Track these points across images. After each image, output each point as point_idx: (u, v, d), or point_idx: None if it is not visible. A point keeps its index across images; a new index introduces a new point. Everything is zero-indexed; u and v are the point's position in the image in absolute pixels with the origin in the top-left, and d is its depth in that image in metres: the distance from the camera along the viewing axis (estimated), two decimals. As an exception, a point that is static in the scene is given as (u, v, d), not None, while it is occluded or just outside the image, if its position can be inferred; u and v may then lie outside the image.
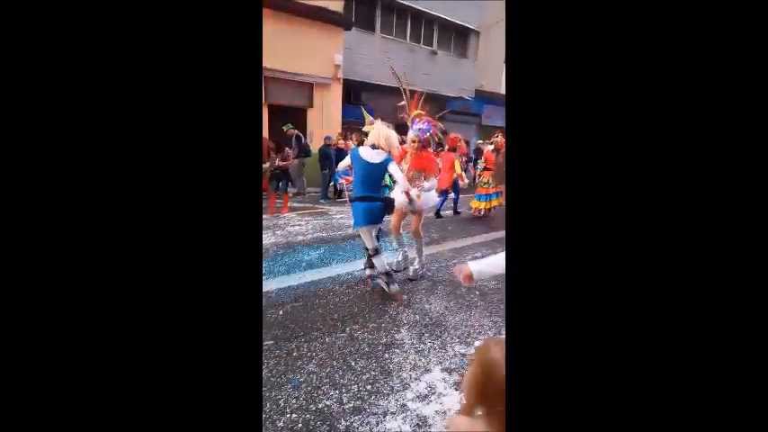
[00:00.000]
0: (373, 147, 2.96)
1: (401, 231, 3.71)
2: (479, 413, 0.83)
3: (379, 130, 2.99)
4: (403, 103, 3.56)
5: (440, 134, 3.52)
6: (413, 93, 3.53)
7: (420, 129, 3.36)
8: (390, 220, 3.54)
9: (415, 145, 3.34)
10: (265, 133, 7.27)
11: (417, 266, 3.62)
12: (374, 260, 3.10)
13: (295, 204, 6.90)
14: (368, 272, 3.35)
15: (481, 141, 11.80)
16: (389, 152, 2.99)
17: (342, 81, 9.75)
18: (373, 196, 2.93)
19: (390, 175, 2.99)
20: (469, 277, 1.41)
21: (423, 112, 3.45)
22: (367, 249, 3.13)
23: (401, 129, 3.70)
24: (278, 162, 5.96)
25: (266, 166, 6.08)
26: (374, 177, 2.95)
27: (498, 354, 0.79)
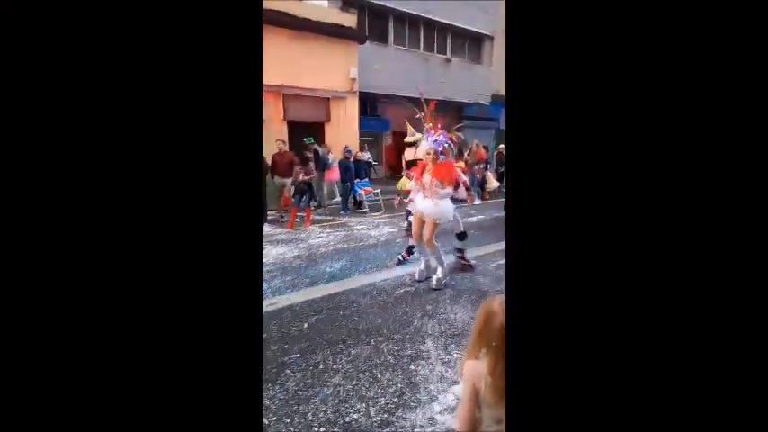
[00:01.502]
0: None
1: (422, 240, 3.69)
2: (482, 354, 1.04)
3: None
4: (420, 115, 3.60)
5: (458, 144, 3.54)
6: (427, 102, 3.57)
7: (435, 141, 3.39)
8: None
9: (430, 156, 3.38)
10: (286, 148, 7.41)
11: (441, 275, 3.58)
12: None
13: (316, 217, 6.99)
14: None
15: (503, 146, 11.70)
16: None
17: (357, 94, 9.90)
18: None
19: None
20: None
21: (432, 125, 3.49)
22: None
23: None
24: (302, 176, 6.09)
25: (288, 181, 6.22)
26: None
27: (497, 307, 1.01)
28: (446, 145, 3.44)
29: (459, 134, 3.66)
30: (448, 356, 2.41)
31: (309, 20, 8.52)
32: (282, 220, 6.54)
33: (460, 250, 4.18)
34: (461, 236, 4.08)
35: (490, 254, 4.70)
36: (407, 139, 4.48)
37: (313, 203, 7.11)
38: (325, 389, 2.08)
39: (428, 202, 3.44)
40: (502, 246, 5.06)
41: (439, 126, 3.52)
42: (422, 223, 3.58)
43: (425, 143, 3.45)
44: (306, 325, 2.82)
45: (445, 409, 1.92)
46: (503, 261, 4.40)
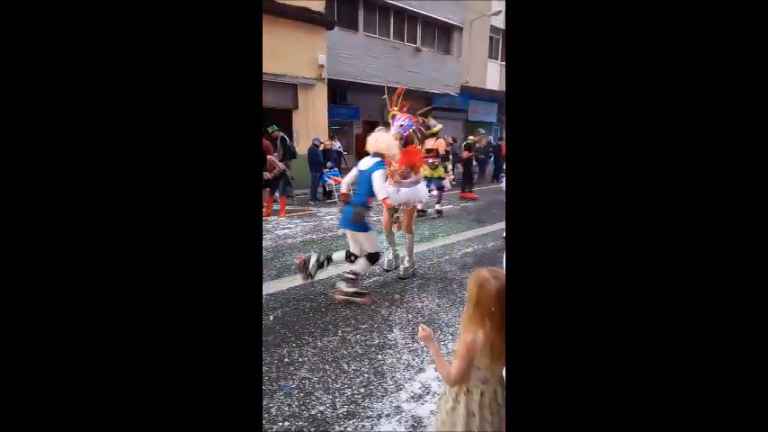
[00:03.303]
0: (375, 155, 2.96)
1: (393, 230, 3.68)
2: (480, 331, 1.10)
3: (376, 137, 3.01)
4: (385, 96, 3.55)
5: (422, 129, 3.50)
6: (394, 90, 3.52)
7: (401, 126, 3.35)
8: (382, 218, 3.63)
9: (397, 143, 3.35)
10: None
11: (407, 264, 3.60)
12: (336, 257, 3.08)
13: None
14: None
15: (472, 137, 11.86)
16: (391, 155, 3.08)
17: (326, 81, 9.67)
18: (354, 201, 2.97)
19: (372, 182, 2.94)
20: None
21: (397, 111, 3.45)
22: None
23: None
24: (266, 175, 5.84)
25: (268, 175, 5.94)
26: (361, 184, 2.98)
27: (486, 273, 1.11)
28: (411, 130, 3.41)
29: (425, 119, 3.62)
30: (415, 345, 2.42)
31: (275, 2, 8.18)
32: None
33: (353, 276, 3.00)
34: (373, 257, 3.00)
35: (455, 243, 4.78)
36: (434, 129, 5.11)
37: (290, 191, 6.71)
38: (291, 382, 2.04)
39: (404, 190, 3.43)
40: (467, 235, 5.16)
41: (405, 110, 3.47)
42: (393, 213, 3.56)
43: (392, 129, 3.41)
44: (271, 317, 2.75)
45: (412, 398, 1.94)
46: (469, 249, 4.48)
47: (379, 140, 2.98)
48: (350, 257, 3.01)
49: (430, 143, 5.68)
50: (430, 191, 5.36)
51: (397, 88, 3.55)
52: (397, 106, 3.46)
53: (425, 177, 5.50)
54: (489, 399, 1.15)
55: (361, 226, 2.92)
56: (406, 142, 3.37)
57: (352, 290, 3.01)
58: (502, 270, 1.13)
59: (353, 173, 3.09)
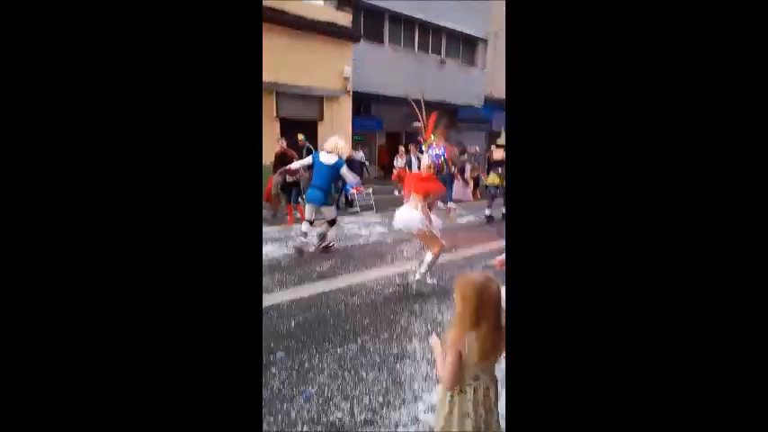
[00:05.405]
0: (329, 153, 4.37)
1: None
2: (473, 333, 1.16)
3: (336, 141, 4.41)
4: (419, 124, 3.61)
5: (453, 159, 3.59)
6: (428, 112, 3.55)
7: (436, 154, 3.40)
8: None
9: (431, 171, 3.42)
10: (278, 147, 7.31)
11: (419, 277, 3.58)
12: (305, 226, 4.54)
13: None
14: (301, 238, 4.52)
15: (494, 146, 11.75)
16: (341, 156, 4.39)
17: (351, 93, 9.87)
18: (320, 186, 4.38)
19: (342, 176, 4.45)
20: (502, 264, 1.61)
21: (433, 140, 3.47)
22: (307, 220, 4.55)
23: (412, 137, 3.82)
24: (288, 177, 6.07)
25: (279, 179, 6.18)
26: (323, 174, 4.36)
27: (481, 278, 1.18)
28: (443, 159, 3.46)
29: (455, 150, 3.74)
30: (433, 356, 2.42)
31: (304, 18, 8.48)
32: (275, 215, 6.51)
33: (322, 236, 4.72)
34: (333, 222, 4.68)
35: (477, 255, 4.73)
36: (500, 142, 6.65)
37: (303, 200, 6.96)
38: (310, 388, 2.08)
39: (433, 217, 3.51)
40: (489, 247, 5.10)
41: (441, 134, 3.51)
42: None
43: (425, 157, 3.46)
44: (293, 324, 2.81)
45: (429, 409, 1.93)
46: (490, 262, 4.43)
47: (338, 144, 4.41)
48: (311, 222, 4.54)
49: (499, 154, 6.67)
50: (493, 196, 6.66)
51: (420, 100, 3.59)
52: (432, 135, 3.49)
53: (493, 184, 6.95)
54: (482, 395, 1.20)
55: (331, 203, 4.62)
56: (438, 170, 3.43)
57: (323, 244, 4.65)
58: (489, 273, 1.21)
59: (309, 160, 4.51)
